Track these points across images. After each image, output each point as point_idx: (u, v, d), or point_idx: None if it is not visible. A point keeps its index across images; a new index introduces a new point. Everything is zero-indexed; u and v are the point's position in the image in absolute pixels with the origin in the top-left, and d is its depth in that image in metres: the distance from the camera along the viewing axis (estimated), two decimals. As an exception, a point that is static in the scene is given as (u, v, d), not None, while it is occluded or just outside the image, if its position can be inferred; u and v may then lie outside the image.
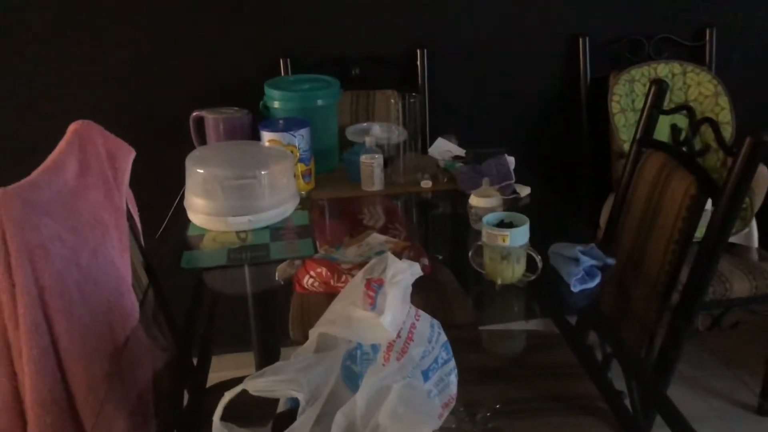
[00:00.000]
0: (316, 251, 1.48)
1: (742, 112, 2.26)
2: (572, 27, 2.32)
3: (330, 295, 1.28)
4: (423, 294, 1.38)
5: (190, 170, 1.59)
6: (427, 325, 0.92)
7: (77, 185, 1.20)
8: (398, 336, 0.88)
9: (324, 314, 0.96)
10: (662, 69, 2.28)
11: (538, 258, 1.29)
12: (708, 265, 1.28)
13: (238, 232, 1.57)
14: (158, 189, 1.95)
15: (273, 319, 1.82)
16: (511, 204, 1.69)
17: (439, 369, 0.92)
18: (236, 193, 1.56)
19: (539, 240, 1.32)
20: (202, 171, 1.56)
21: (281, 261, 1.45)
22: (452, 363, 0.95)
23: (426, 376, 0.90)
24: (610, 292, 1.35)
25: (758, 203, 1.97)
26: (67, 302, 1.04)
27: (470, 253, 1.37)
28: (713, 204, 1.30)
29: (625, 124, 2.21)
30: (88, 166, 1.29)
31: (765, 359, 2.08)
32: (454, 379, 0.94)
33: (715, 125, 1.36)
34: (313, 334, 0.95)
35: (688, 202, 1.32)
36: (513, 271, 1.31)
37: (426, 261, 1.41)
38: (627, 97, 2.23)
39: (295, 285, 1.38)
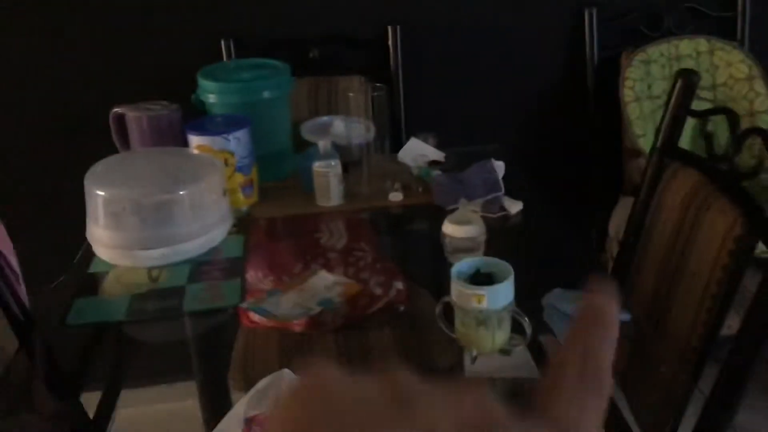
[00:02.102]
0: (244, 299, 1.16)
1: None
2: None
3: (282, 333, 1.13)
4: (396, 329, 1.14)
5: (88, 191, 1.27)
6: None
7: None
8: None
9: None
10: (685, 46, 1.99)
11: (525, 322, 0.97)
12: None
13: (150, 270, 1.25)
14: (76, 214, 1.62)
15: (218, 349, 1.55)
16: (499, 225, 1.37)
17: None
18: (146, 219, 1.25)
19: (532, 280, 1.07)
20: (102, 192, 1.25)
21: (195, 314, 1.14)
22: None
23: None
24: (620, 361, 1.03)
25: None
26: None
27: (437, 311, 1.04)
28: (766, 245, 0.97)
29: (639, 116, 1.93)
30: None
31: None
32: None
33: (766, 137, 1.01)
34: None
35: (731, 245, 0.98)
36: (493, 340, 0.99)
37: (400, 285, 1.18)
38: (642, 82, 1.94)
39: (241, 317, 1.13)
